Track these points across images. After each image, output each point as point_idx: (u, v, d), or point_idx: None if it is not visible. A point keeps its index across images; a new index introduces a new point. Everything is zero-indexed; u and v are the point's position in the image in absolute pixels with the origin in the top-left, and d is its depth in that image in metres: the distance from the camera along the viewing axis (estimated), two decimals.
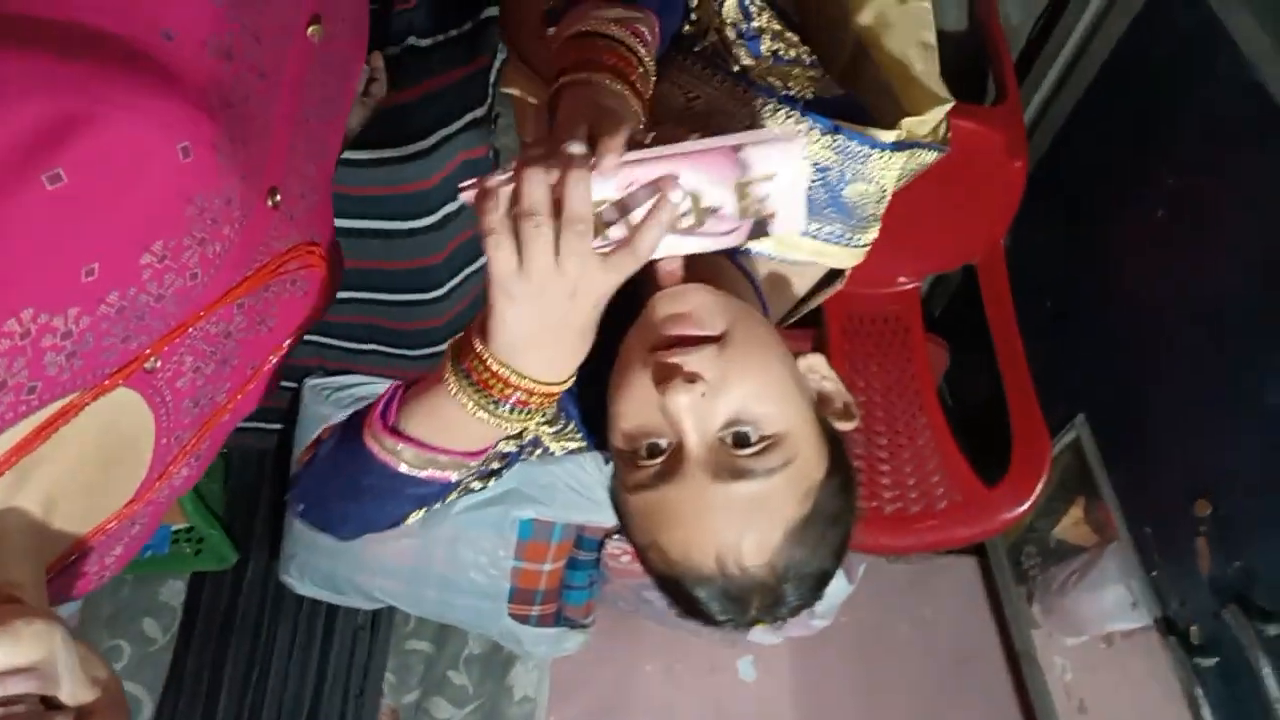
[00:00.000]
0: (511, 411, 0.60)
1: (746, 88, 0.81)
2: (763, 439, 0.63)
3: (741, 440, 0.63)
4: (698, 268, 0.70)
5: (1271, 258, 1.28)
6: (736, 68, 0.83)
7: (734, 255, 0.78)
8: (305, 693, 1.86)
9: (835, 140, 0.78)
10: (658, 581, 0.68)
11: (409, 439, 0.63)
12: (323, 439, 0.73)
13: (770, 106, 0.79)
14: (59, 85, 0.48)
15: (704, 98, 0.82)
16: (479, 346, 0.58)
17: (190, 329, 0.59)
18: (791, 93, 0.81)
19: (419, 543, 1.64)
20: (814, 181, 0.78)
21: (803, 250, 0.81)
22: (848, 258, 0.83)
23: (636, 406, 0.65)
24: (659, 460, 0.65)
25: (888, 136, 0.79)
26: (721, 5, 0.84)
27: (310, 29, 0.66)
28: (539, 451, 0.81)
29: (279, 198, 0.62)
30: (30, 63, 0.48)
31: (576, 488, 1.63)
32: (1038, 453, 1.58)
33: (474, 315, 0.61)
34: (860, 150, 0.78)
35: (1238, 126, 1.33)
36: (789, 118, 0.78)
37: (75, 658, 0.45)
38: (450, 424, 0.62)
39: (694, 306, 0.66)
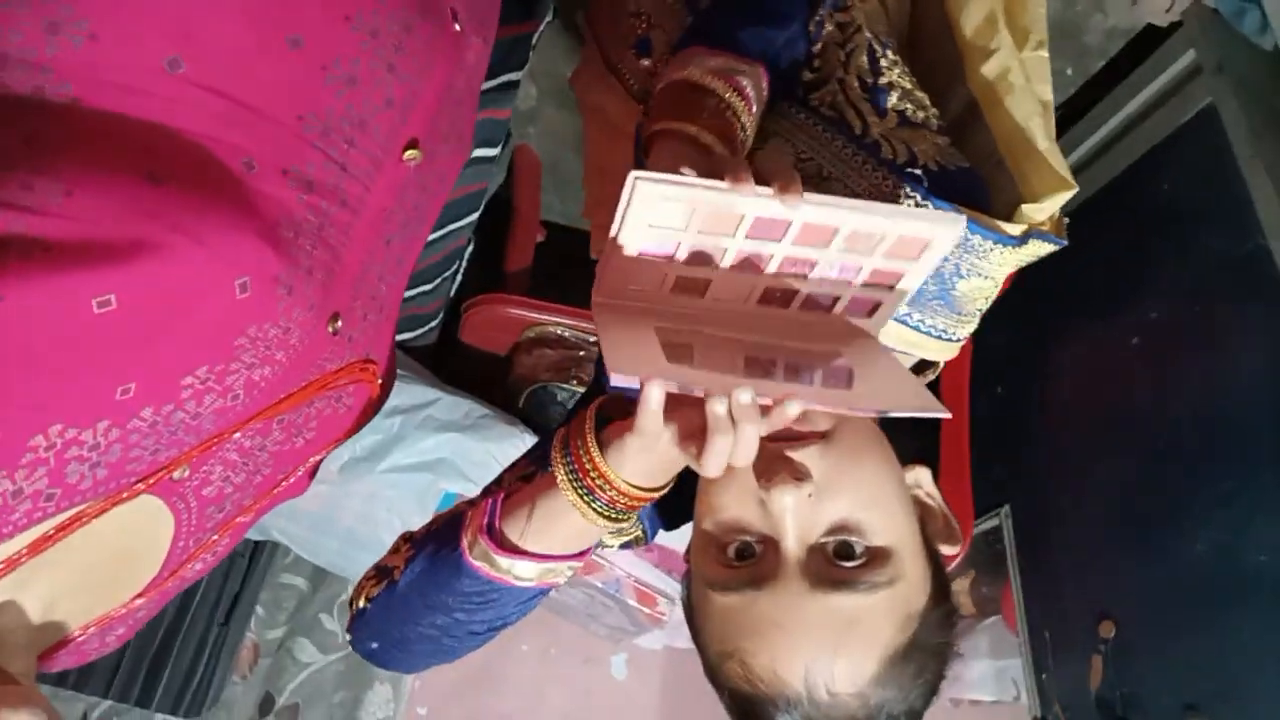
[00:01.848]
0: (604, 509, 0.61)
1: (867, 158, 0.75)
2: (868, 551, 0.59)
3: (845, 551, 0.59)
4: None
5: (1225, 415, 1.34)
6: (858, 126, 0.76)
7: None
8: (165, 613, 1.74)
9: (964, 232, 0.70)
10: (730, 701, 0.61)
11: (522, 553, 0.62)
12: (392, 570, 0.69)
13: (891, 182, 0.73)
14: (136, 208, 0.48)
15: (817, 160, 0.77)
16: (595, 455, 0.59)
17: (225, 442, 0.58)
18: (916, 163, 0.75)
19: (332, 490, 1.55)
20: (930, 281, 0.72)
21: (900, 341, 0.75)
22: (944, 352, 0.78)
23: (735, 498, 0.61)
24: (750, 562, 0.60)
25: (1014, 230, 0.73)
26: (850, 55, 0.78)
27: (407, 154, 0.64)
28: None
29: (340, 324, 0.61)
30: (116, 178, 0.48)
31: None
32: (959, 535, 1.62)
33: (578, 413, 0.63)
34: (984, 245, 0.72)
35: (1233, 284, 1.38)
36: (908, 201, 0.72)
37: None
38: (559, 527, 0.62)
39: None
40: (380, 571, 0.71)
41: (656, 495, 0.62)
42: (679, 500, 0.68)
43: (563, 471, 0.61)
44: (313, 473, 0.71)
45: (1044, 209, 0.76)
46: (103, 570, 0.58)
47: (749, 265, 0.62)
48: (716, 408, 0.53)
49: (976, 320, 0.79)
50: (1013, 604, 1.68)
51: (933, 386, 1.90)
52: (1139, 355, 1.53)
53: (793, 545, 0.59)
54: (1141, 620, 1.40)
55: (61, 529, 0.51)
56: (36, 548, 0.51)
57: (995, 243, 0.72)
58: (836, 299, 0.66)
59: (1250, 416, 1.29)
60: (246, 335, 0.52)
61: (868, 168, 0.74)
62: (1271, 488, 1.23)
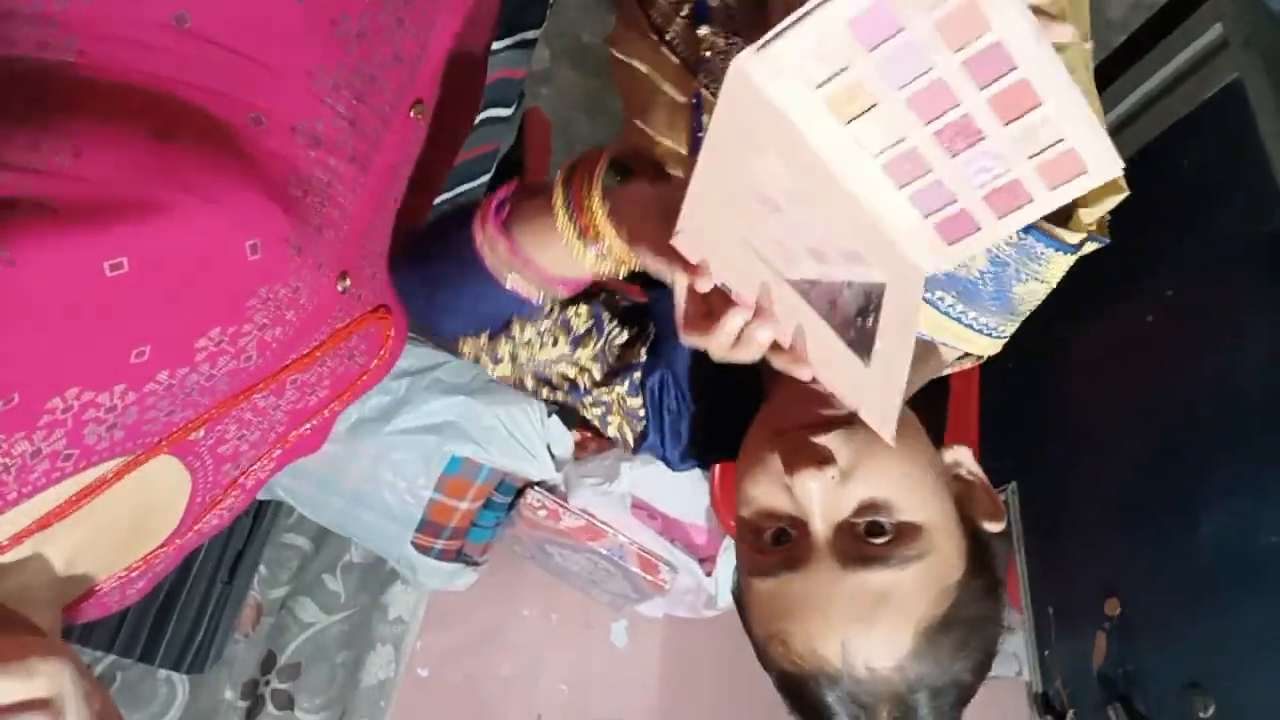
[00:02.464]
0: (588, 251, 0.60)
1: None
2: (896, 527, 0.61)
3: (875, 529, 0.61)
4: None
5: (1239, 395, 1.33)
6: None
7: None
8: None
9: (1022, 240, 0.72)
10: (780, 683, 0.64)
11: (510, 239, 0.62)
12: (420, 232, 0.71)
13: None
14: (144, 168, 0.47)
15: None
16: (597, 211, 0.58)
17: (240, 403, 0.57)
18: None
19: (339, 450, 1.54)
20: (986, 274, 0.72)
21: (948, 334, 0.76)
22: (990, 348, 0.79)
23: (764, 489, 0.63)
24: (785, 546, 0.62)
25: (1073, 238, 0.73)
26: None
27: (413, 110, 0.63)
28: (600, 412, 0.80)
29: (349, 282, 0.60)
30: (123, 138, 0.47)
31: (516, 435, 1.57)
32: None
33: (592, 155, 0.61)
34: (1045, 252, 0.72)
35: (1253, 263, 1.37)
36: None
37: (83, 694, 0.46)
38: (545, 242, 0.61)
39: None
40: (407, 234, 0.72)
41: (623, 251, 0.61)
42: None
43: (562, 211, 0.60)
44: (328, 426, 0.70)
45: (1096, 212, 0.76)
46: (122, 526, 0.58)
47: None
48: (734, 320, 0.52)
49: (1021, 320, 0.80)
50: (1016, 580, 1.69)
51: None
52: (1153, 333, 1.52)
53: (820, 526, 0.61)
54: (1147, 598, 1.40)
55: (86, 492, 0.51)
56: (62, 512, 0.51)
57: (1055, 250, 0.72)
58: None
59: (1264, 397, 1.29)
60: (258, 296, 0.52)
61: None
62: None
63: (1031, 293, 0.76)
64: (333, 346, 0.62)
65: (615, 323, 0.78)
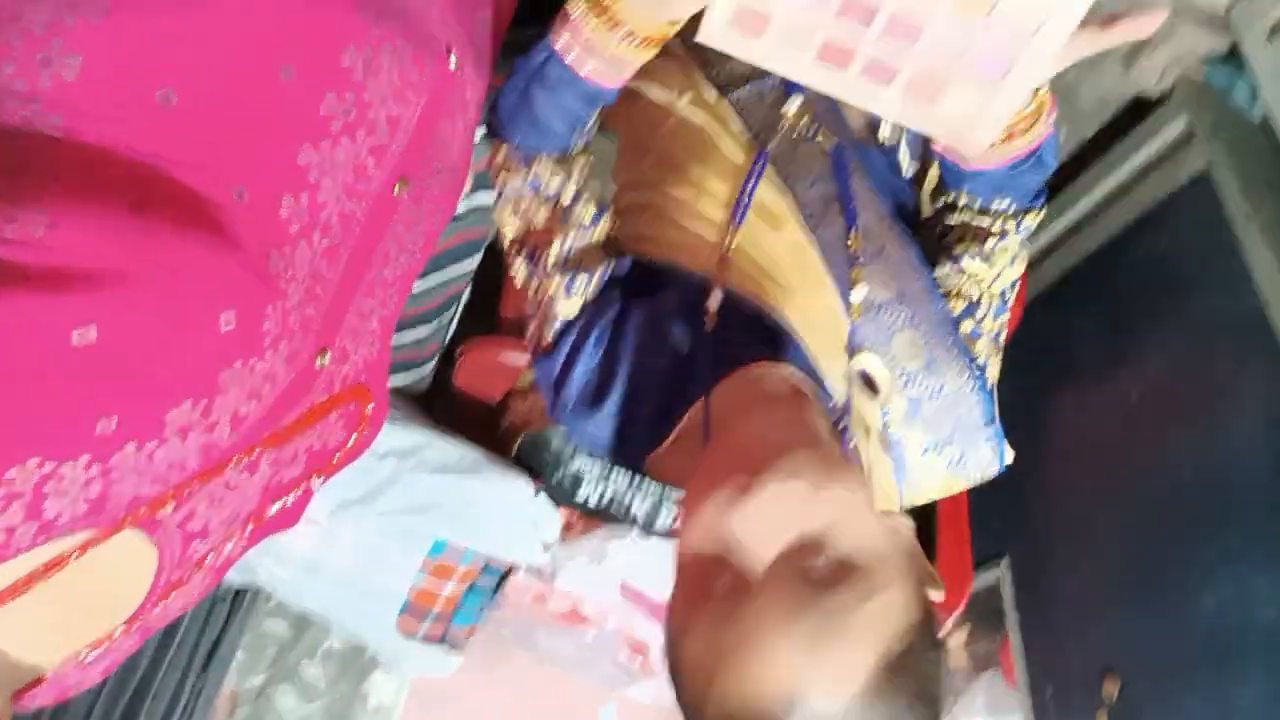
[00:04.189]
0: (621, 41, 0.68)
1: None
2: (837, 563, 0.59)
3: (812, 564, 0.58)
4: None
5: (1228, 471, 1.34)
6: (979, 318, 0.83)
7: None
8: (141, 660, 1.69)
9: (986, 430, 0.80)
10: None
11: (573, 23, 0.69)
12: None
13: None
14: (118, 240, 0.47)
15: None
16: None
17: (211, 478, 0.56)
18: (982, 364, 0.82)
19: (322, 532, 1.53)
20: (939, 450, 0.78)
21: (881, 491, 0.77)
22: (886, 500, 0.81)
23: (700, 529, 0.62)
24: (730, 581, 0.59)
25: (1009, 454, 0.83)
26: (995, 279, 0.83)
27: (397, 187, 0.64)
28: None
29: (328, 359, 0.60)
30: (100, 210, 0.47)
31: (503, 516, 1.56)
32: (956, 590, 1.60)
33: None
34: (988, 453, 0.80)
35: (1231, 344, 1.39)
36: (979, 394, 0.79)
37: None
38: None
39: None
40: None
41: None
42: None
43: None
44: (303, 504, 0.69)
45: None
46: (81, 605, 0.56)
47: None
48: None
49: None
50: (1011, 658, 1.66)
51: None
52: (1139, 411, 1.53)
53: (756, 564, 0.59)
54: (1147, 677, 1.38)
55: (44, 569, 0.50)
56: (16, 589, 0.49)
57: (996, 452, 0.81)
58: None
59: (1252, 473, 1.29)
60: (232, 369, 0.52)
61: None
62: (1277, 543, 1.23)
63: (951, 482, 0.81)
64: (309, 423, 0.62)
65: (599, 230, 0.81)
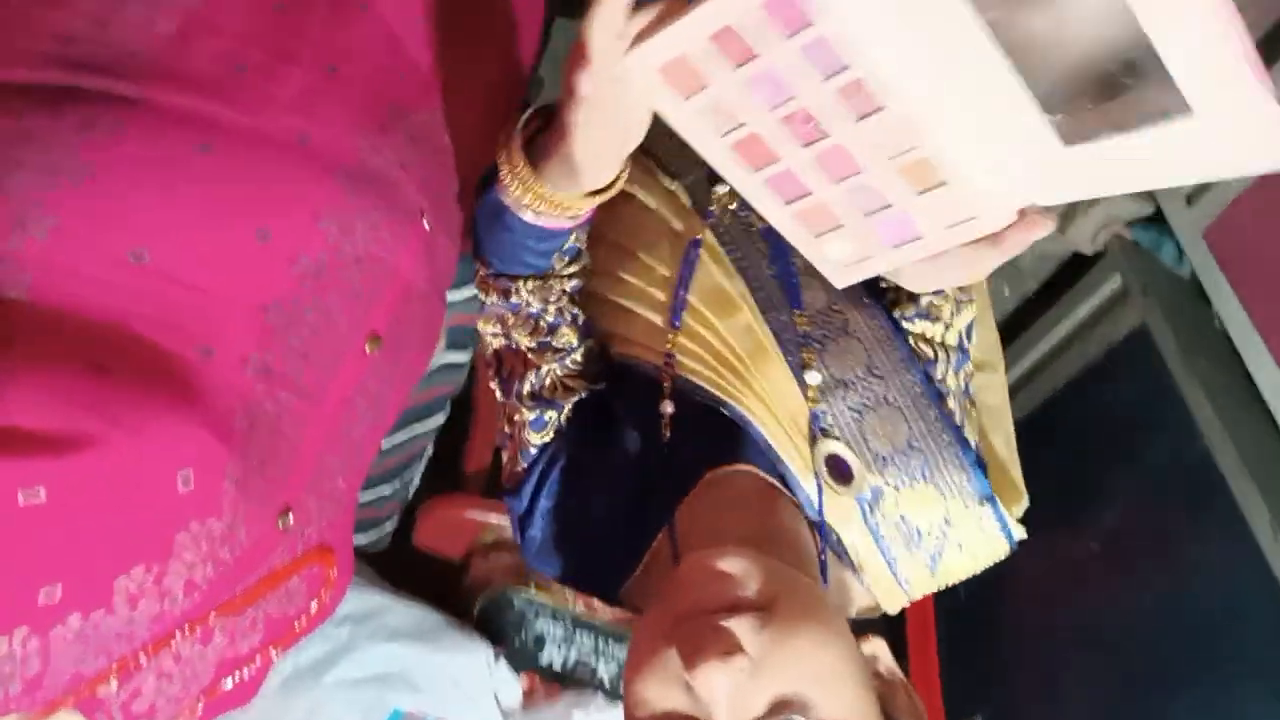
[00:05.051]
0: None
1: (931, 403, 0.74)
2: None
3: None
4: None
5: (1189, 619, 1.34)
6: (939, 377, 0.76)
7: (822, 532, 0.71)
8: None
9: (980, 510, 0.73)
10: None
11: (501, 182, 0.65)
12: None
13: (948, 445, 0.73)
14: (75, 401, 0.46)
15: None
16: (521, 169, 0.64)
17: (160, 650, 0.53)
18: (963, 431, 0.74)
19: (270, 708, 1.44)
20: (931, 532, 0.72)
21: (870, 572, 0.73)
22: (892, 602, 0.76)
23: (658, 689, 0.53)
24: None
25: (1018, 530, 0.75)
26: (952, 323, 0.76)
27: (368, 345, 0.64)
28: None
29: (291, 520, 0.58)
30: (58, 370, 0.46)
31: (463, 684, 1.50)
32: None
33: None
34: (993, 532, 0.73)
35: (1184, 491, 1.42)
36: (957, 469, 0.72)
37: None
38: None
39: (732, 570, 0.57)
40: None
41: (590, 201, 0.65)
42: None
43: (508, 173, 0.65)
44: (261, 677, 0.65)
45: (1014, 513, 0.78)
46: None
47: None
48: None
49: (932, 590, 0.79)
50: None
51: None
52: (1101, 560, 1.54)
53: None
54: None
55: None
56: None
57: (1001, 533, 0.74)
58: None
59: (1215, 621, 1.29)
60: (188, 531, 0.50)
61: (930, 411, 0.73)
62: (1244, 692, 1.22)
63: (957, 567, 0.75)
64: (269, 588, 0.59)
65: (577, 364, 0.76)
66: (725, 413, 0.72)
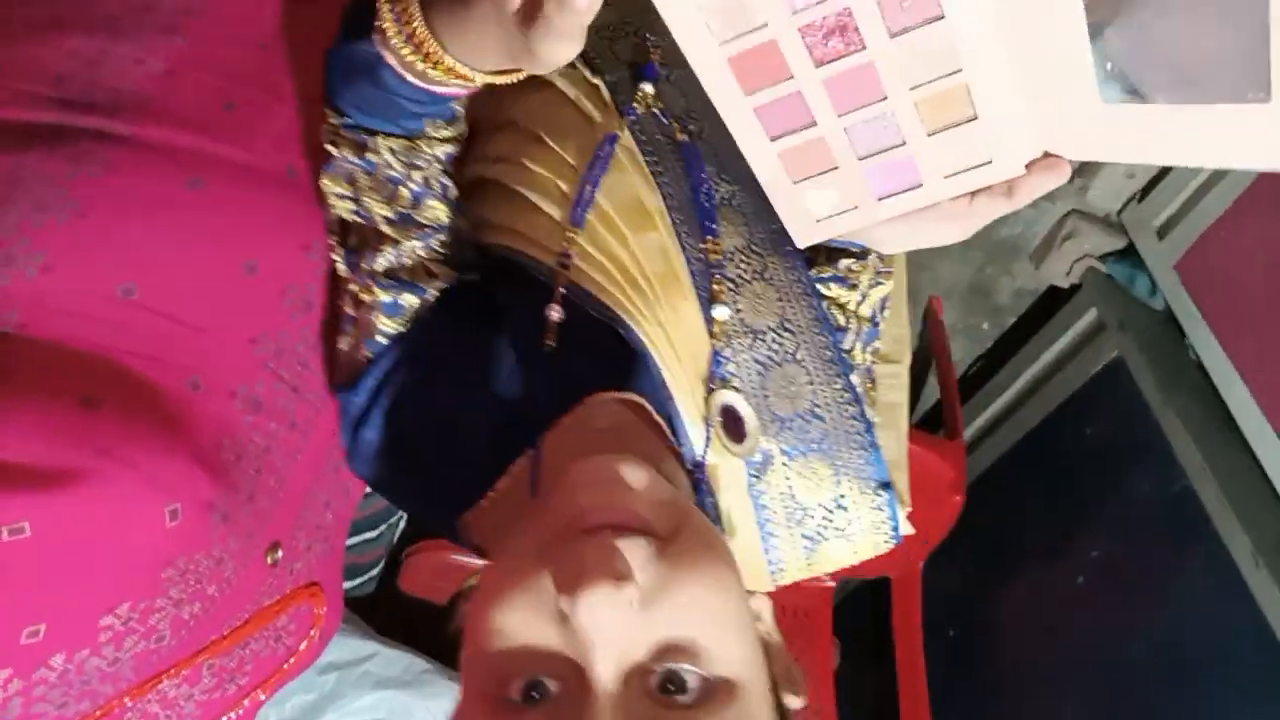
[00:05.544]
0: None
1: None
2: (704, 684, 0.44)
3: (675, 682, 0.43)
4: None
5: (1175, 651, 1.34)
6: (846, 348, 0.69)
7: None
8: None
9: (875, 497, 0.65)
10: None
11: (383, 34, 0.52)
12: None
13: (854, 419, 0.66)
14: (64, 436, 0.45)
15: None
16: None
17: (146, 692, 0.52)
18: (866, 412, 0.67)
19: None
20: (818, 510, 0.65)
21: (744, 551, 0.64)
22: (760, 583, 0.67)
23: (523, 617, 0.44)
24: (543, 704, 0.43)
25: (906, 526, 0.68)
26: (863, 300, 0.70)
27: None
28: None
29: (280, 554, 0.57)
30: (47, 406, 0.46)
31: None
32: None
33: None
34: (881, 524, 0.66)
35: (1167, 523, 1.43)
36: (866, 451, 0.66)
37: None
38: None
39: (636, 483, 0.49)
40: None
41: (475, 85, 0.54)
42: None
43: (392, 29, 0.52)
44: None
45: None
46: None
47: None
48: None
49: (803, 576, 0.70)
50: None
51: (885, 632, 1.83)
52: (1086, 593, 1.54)
53: (606, 673, 0.42)
54: None
55: None
56: None
57: (889, 525, 0.67)
58: None
59: (1201, 653, 1.30)
60: (175, 567, 0.49)
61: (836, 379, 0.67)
62: None
63: (836, 556, 0.67)
64: (258, 626, 0.58)
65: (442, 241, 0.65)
66: (622, 334, 0.63)
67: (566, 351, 0.62)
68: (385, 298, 0.62)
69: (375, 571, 1.61)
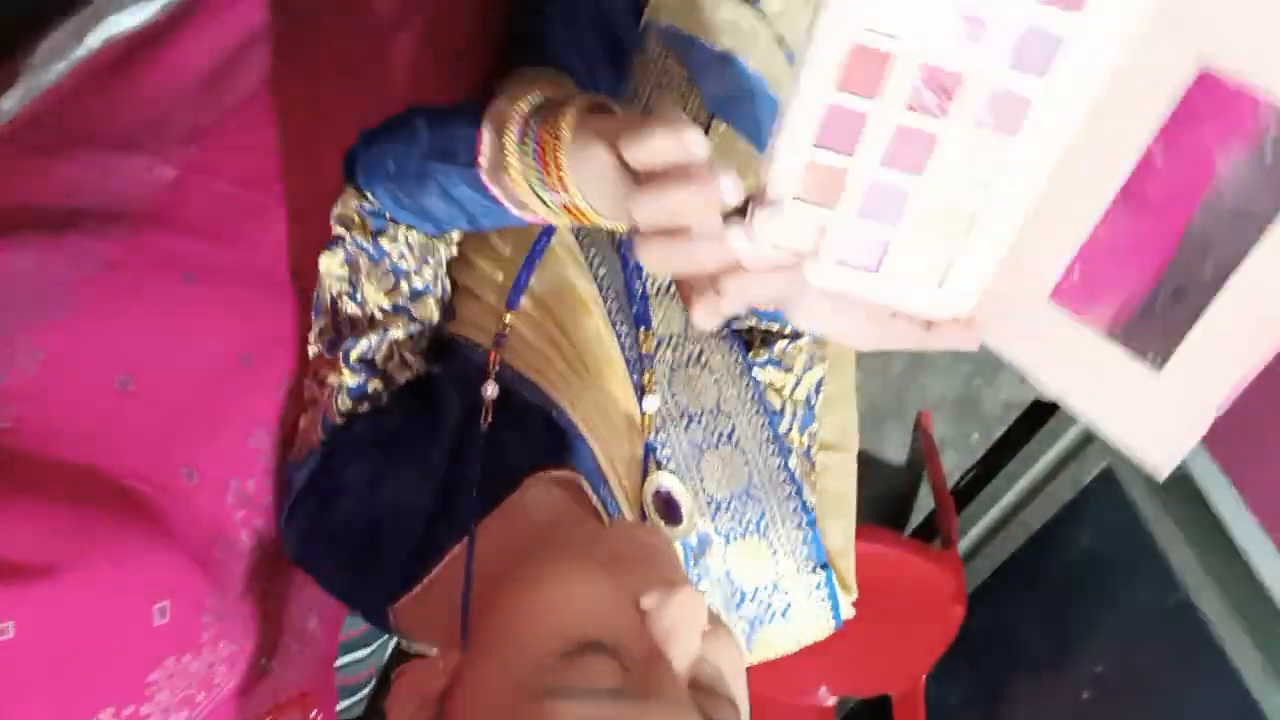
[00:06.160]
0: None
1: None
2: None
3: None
4: None
5: None
6: (783, 431, 0.70)
7: None
8: None
9: (813, 577, 0.66)
10: None
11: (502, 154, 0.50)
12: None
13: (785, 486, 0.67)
14: (52, 533, 0.45)
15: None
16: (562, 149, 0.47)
17: None
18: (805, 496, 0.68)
19: None
20: (758, 593, 0.66)
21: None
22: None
23: (607, 599, 0.47)
24: (616, 673, 0.45)
25: (847, 610, 0.68)
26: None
27: None
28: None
29: (272, 663, 0.56)
30: (36, 503, 0.46)
31: None
32: None
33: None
34: (820, 606, 0.67)
35: (1169, 635, 1.40)
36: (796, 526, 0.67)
37: None
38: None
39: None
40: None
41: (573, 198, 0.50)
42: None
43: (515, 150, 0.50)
44: None
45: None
46: None
47: None
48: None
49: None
50: None
51: None
52: (1094, 710, 1.50)
53: (681, 664, 0.45)
54: None
55: None
56: None
57: (829, 607, 0.68)
58: None
59: None
60: (163, 669, 0.47)
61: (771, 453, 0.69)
62: None
63: (777, 641, 0.68)
64: None
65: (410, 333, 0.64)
66: (555, 418, 0.63)
67: (503, 432, 0.61)
68: (351, 381, 0.61)
69: (366, 691, 1.57)
